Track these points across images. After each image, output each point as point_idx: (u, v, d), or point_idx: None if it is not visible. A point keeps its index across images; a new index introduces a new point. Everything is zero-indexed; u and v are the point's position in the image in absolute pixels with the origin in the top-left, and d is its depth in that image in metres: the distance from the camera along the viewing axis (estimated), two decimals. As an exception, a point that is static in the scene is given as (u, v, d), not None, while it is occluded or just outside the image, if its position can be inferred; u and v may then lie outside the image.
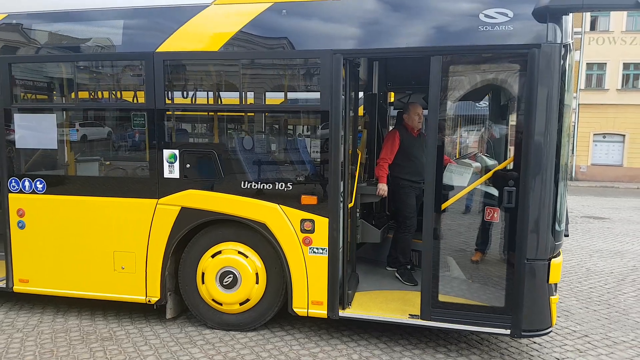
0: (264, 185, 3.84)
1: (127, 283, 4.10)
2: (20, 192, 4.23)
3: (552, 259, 3.43)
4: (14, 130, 4.21)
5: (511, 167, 3.63)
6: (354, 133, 4.47)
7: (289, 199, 3.79)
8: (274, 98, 4.44)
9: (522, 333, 3.46)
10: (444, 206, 3.63)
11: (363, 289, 4.38)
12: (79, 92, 4.53)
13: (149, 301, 4.10)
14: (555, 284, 3.53)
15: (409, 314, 3.78)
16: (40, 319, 4.30)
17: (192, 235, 4.05)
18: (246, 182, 3.88)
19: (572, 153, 23.77)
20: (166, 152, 3.95)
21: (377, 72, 5.11)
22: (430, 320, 3.66)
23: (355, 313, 3.87)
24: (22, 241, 4.27)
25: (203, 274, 4.03)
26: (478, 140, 4.92)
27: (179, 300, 4.22)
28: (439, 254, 3.63)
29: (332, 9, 3.64)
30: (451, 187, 3.72)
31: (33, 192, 4.22)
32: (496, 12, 3.31)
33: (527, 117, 3.31)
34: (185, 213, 3.94)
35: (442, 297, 3.66)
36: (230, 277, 3.98)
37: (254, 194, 3.85)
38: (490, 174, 3.73)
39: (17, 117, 4.22)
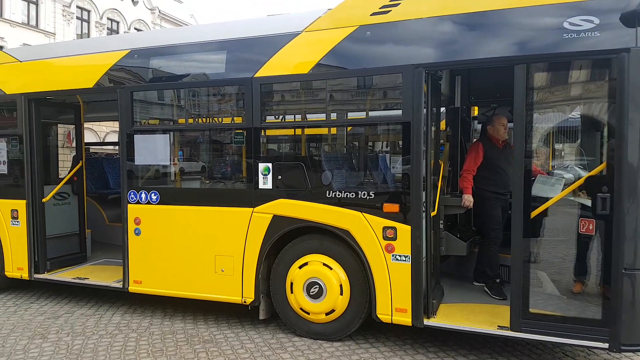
0: (347, 194, 4.05)
1: (226, 285, 4.47)
2: (138, 202, 4.84)
3: (653, 268, 3.23)
4: (134, 150, 4.85)
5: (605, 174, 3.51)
6: (436, 145, 4.55)
7: (372, 207, 3.94)
8: (357, 111, 4.71)
9: (622, 347, 3.26)
10: (533, 214, 3.57)
11: (448, 301, 4.35)
12: (187, 115, 5.14)
13: (245, 302, 4.42)
14: (658, 296, 3.30)
15: (498, 326, 3.71)
16: (151, 322, 4.78)
17: (282, 243, 4.34)
18: (331, 192, 4.11)
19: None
20: (261, 166, 4.32)
21: (459, 85, 5.17)
22: (520, 332, 3.56)
23: (441, 322, 3.86)
24: (137, 246, 4.85)
25: (292, 283, 4.28)
26: (570, 151, 4.74)
27: (271, 303, 4.49)
28: (530, 260, 3.56)
29: (414, 27, 3.83)
30: (541, 199, 3.66)
31: (148, 203, 4.80)
32: (581, 20, 3.30)
33: (619, 121, 3.22)
34: (277, 220, 4.26)
35: (533, 310, 3.56)
36: (316, 287, 4.17)
37: (338, 203, 4.06)
38: (581, 180, 3.62)
39: (137, 139, 4.85)
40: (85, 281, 5.23)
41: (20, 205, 5.41)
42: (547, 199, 3.63)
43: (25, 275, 5.43)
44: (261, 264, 4.33)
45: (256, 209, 4.34)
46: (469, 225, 5.29)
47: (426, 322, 3.85)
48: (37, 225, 5.44)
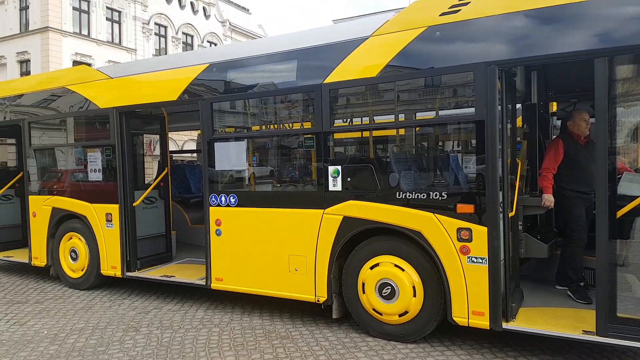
0: (418, 195, 4.04)
1: (300, 283, 4.63)
2: (218, 205, 5.14)
3: None
4: (215, 156, 5.15)
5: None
6: (513, 143, 4.42)
7: (444, 208, 3.90)
8: (426, 111, 4.67)
9: None
10: (619, 214, 3.37)
11: (528, 305, 4.19)
12: (261, 122, 5.37)
13: (318, 300, 4.55)
14: None
15: (583, 330, 3.53)
16: (231, 317, 5.06)
17: (352, 244, 4.41)
18: (401, 193, 4.12)
19: None
20: (331, 168, 4.44)
21: (535, 81, 4.96)
22: (607, 337, 3.37)
23: (521, 326, 3.74)
24: (218, 246, 5.15)
25: (363, 284, 4.33)
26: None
27: (343, 303, 4.58)
28: (617, 263, 3.36)
29: (485, 24, 3.76)
30: (629, 198, 3.44)
31: (227, 206, 5.08)
32: None
33: None
34: (347, 222, 4.34)
35: (621, 314, 3.35)
36: (388, 288, 4.20)
37: (408, 204, 4.06)
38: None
39: (217, 146, 5.16)
40: (172, 279, 5.64)
41: (114, 209, 5.95)
42: (634, 198, 3.40)
43: (118, 273, 5.96)
44: (333, 264, 4.43)
45: (327, 210, 4.46)
46: (550, 227, 5.06)
47: (505, 325, 3.75)
48: (128, 227, 5.95)
